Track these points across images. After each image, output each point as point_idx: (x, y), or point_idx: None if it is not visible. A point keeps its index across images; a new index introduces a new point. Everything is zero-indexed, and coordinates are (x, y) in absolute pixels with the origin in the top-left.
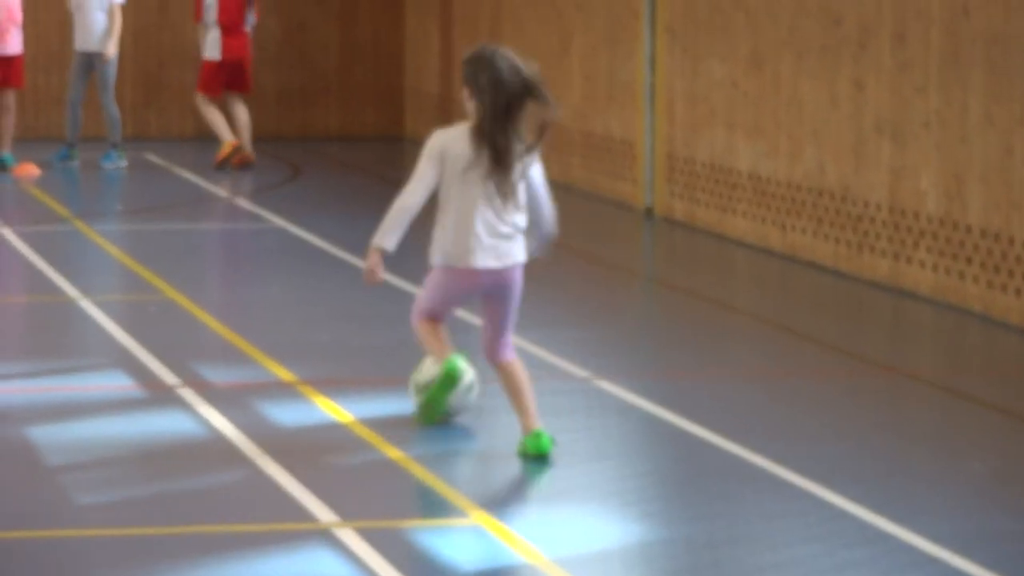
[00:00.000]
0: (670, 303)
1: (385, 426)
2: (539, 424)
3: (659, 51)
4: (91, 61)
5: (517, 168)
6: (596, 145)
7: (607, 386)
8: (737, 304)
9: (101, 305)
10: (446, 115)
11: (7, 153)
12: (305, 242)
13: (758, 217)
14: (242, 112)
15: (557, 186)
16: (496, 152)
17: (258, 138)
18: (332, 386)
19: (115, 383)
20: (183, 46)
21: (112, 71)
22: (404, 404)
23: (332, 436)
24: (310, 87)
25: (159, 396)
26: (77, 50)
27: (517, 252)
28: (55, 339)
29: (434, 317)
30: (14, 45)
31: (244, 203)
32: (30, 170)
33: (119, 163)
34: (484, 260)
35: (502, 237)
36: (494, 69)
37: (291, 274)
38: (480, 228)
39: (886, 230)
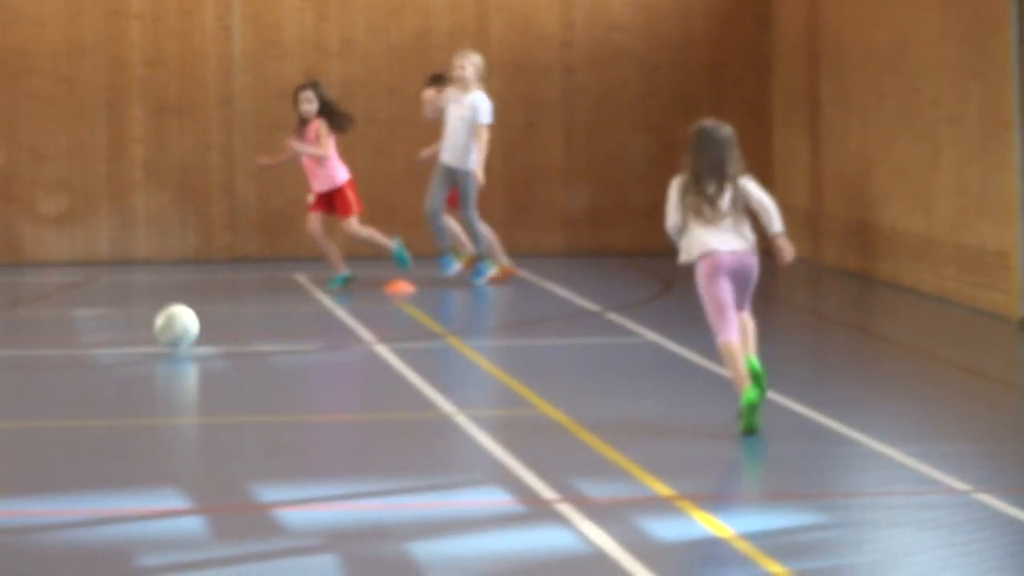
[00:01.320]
0: None
1: (766, 541)
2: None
3: None
4: (454, 175)
5: (724, 199)
6: (969, 257)
7: (987, 499)
8: None
9: (478, 420)
10: (815, 230)
11: (344, 273)
12: (678, 356)
13: None
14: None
15: (930, 298)
16: (703, 195)
17: (627, 253)
18: (710, 500)
19: (492, 499)
20: (551, 162)
21: (473, 187)
22: (783, 519)
23: (712, 551)
24: None
25: (537, 511)
26: (442, 163)
27: (742, 244)
28: (432, 455)
29: (726, 320)
30: (326, 180)
31: (616, 317)
32: (403, 287)
33: (489, 272)
34: (718, 246)
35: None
36: (699, 140)
37: (666, 388)
38: (707, 237)
39: None
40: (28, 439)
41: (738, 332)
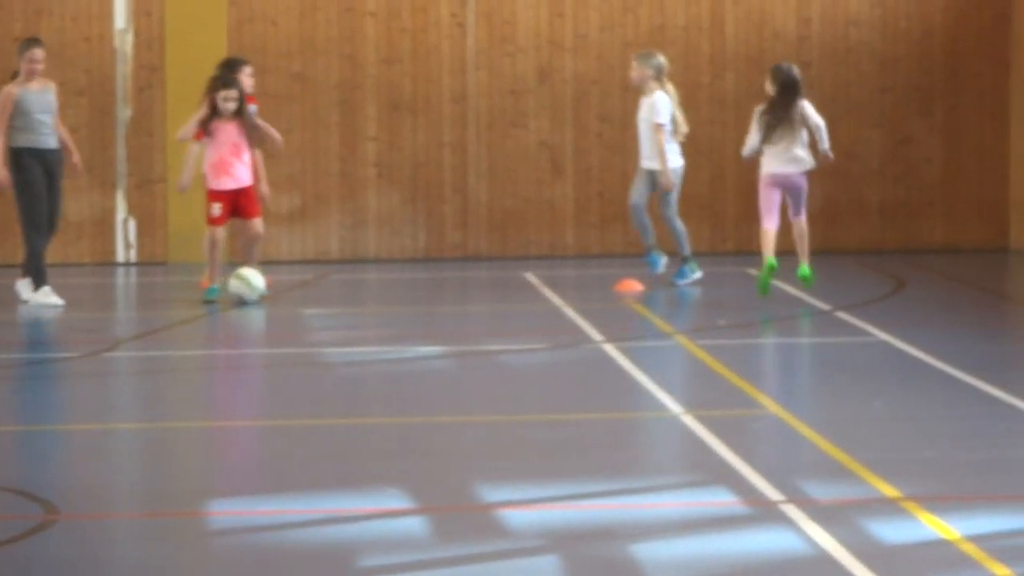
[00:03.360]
0: None
1: (993, 543)
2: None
3: None
4: (653, 178)
5: (794, 124)
6: None
7: None
8: None
9: (704, 420)
10: None
11: (216, 287)
12: (909, 356)
13: None
14: None
15: None
16: (777, 119)
17: (860, 251)
18: (937, 502)
19: (718, 499)
20: None
21: (672, 189)
22: (1011, 521)
23: (938, 554)
24: (914, 200)
25: (763, 513)
26: (640, 166)
27: (794, 167)
28: (658, 455)
29: (768, 216)
30: (240, 178)
31: (847, 316)
32: (632, 286)
33: (693, 276)
34: (776, 168)
35: (790, 160)
36: (775, 75)
37: (895, 388)
38: (769, 159)
39: None
40: (257, 438)
41: (775, 224)
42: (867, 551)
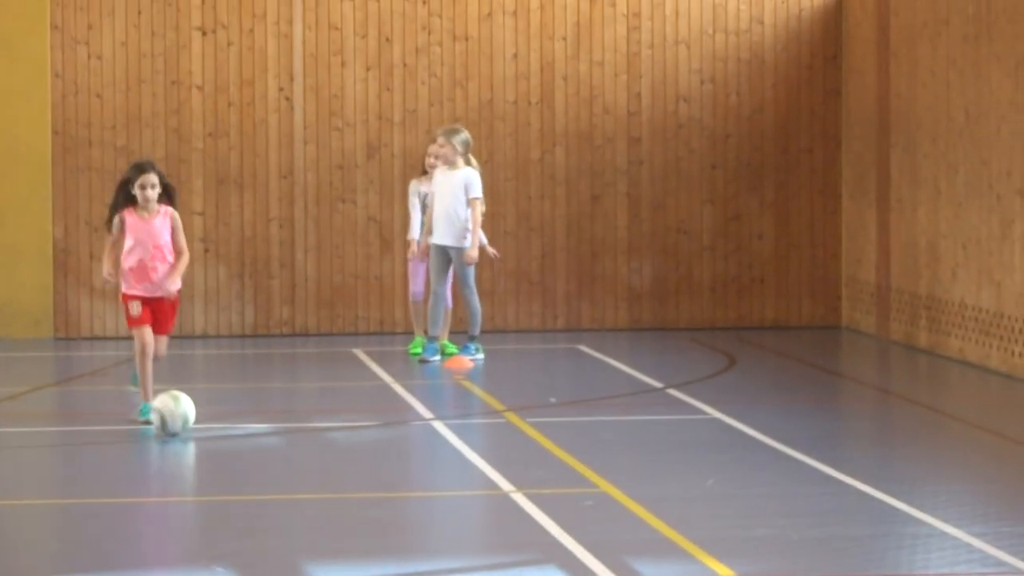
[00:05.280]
0: None
1: None
2: None
3: None
4: (446, 256)
5: None
6: None
7: None
8: None
9: (535, 499)
10: (883, 304)
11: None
12: (741, 433)
13: None
14: None
15: (999, 375)
16: None
17: (693, 328)
18: None
19: None
20: (615, 235)
21: (471, 266)
22: None
23: None
24: (745, 276)
25: None
26: (435, 245)
27: None
28: (490, 533)
29: None
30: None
31: (678, 394)
32: (462, 363)
33: (476, 356)
34: None
35: None
36: None
37: (727, 466)
38: None
39: None
40: (84, 516)
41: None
42: None
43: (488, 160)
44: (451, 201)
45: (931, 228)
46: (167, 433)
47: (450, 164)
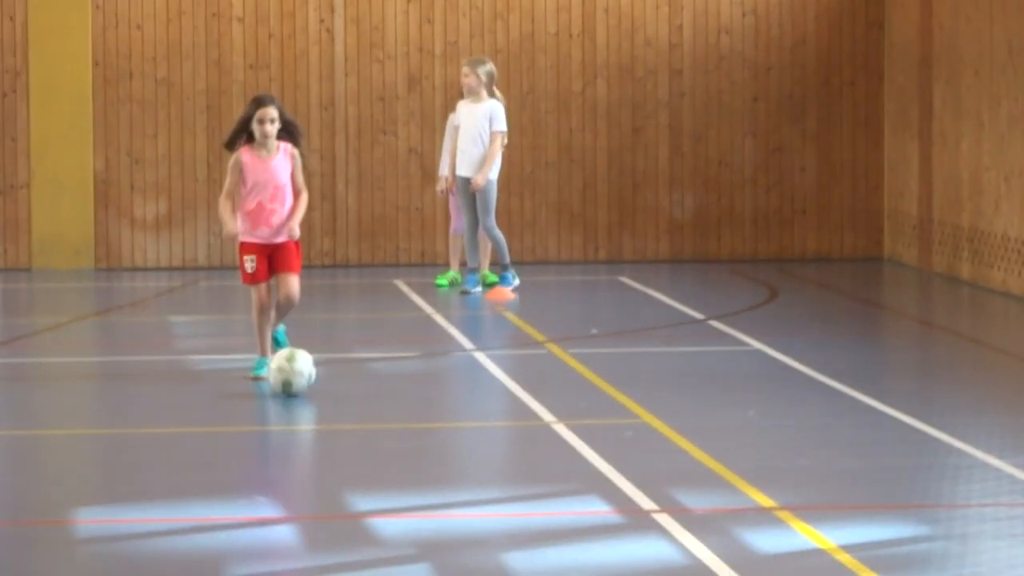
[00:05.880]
0: None
1: (867, 552)
2: None
3: None
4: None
5: None
6: None
7: None
8: None
9: (577, 429)
10: (926, 236)
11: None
12: (783, 365)
13: None
14: None
15: None
16: None
17: (735, 260)
18: (812, 512)
19: (592, 508)
20: (656, 167)
21: (493, 195)
22: (885, 530)
23: (813, 563)
24: (787, 209)
25: (636, 522)
26: (461, 177)
27: None
28: (531, 464)
29: None
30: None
31: (720, 325)
32: (504, 294)
33: (514, 283)
34: None
35: None
36: None
37: (769, 397)
38: None
39: None
40: (123, 446)
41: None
42: (741, 560)
43: (529, 92)
44: (475, 133)
45: (974, 161)
46: (288, 393)
47: (474, 95)
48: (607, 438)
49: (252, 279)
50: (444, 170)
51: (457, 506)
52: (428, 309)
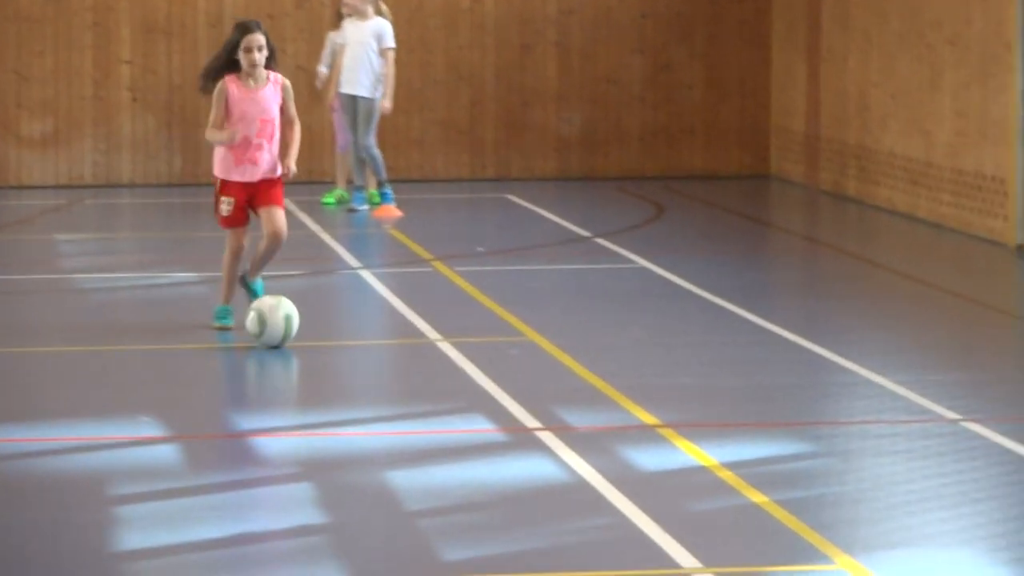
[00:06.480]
0: None
1: (749, 470)
2: None
3: None
4: (355, 104)
5: None
6: (967, 182)
7: (977, 428)
8: None
9: (462, 347)
10: (812, 153)
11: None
12: (669, 282)
13: None
14: None
15: (927, 224)
16: None
17: (622, 178)
18: (695, 429)
19: (476, 426)
20: (544, 85)
21: (375, 114)
22: (767, 448)
23: (695, 480)
24: (674, 126)
25: (520, 440)
26: (345, 95)
27: None
28: (416, 382)
29: None
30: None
31: (606, 243)
32: (391, 211)
33: (392, 200)
34: None
35: None
36: None
37: (654, 315)
38: None
39: None
40: (6, 364)
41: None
42: (624, 478)
43: (418, 9)
44: (362, 51)
45: (861, 78)
46: (263, 343)
47: (360, 14)
48: (492, 356)
49: (229, 223)
50: (320, 82)
51: (341, 424)
52: (315, 227)
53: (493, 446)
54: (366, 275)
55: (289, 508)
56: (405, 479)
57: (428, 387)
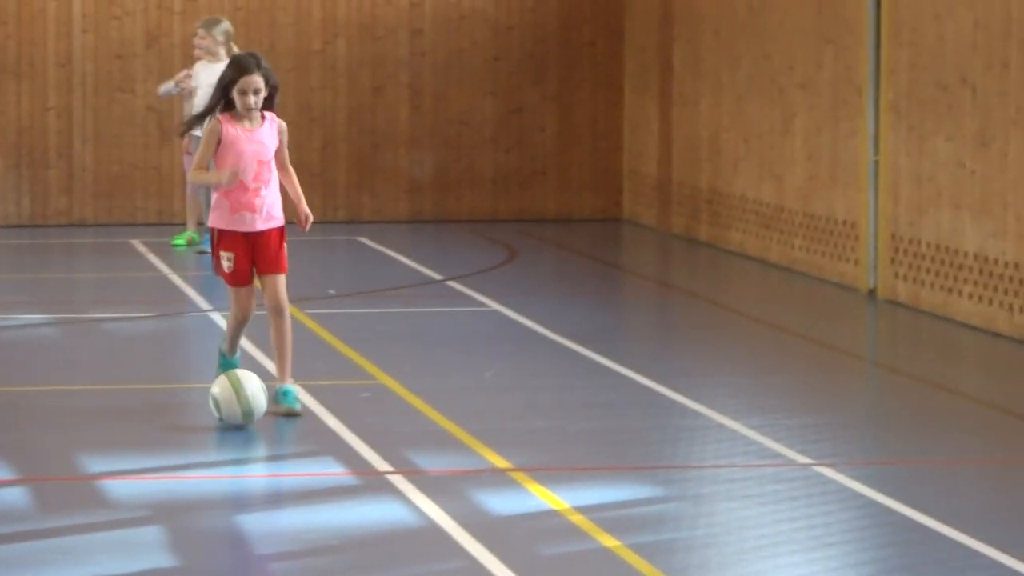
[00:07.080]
0: (894, 387)
1: (601, 514)
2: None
3: (883, 129)
4: None
5: None
6: (818, 226)
7: (829, 472)
8: (963, 389)
9: (313, 391)
10: (665, 197)
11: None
12: (521, 326)
13: (985, 299)
14: None
15: (779, 268)
16: None
17: (475, 220)
18: (546, 473)
19: (326, 470)
20: (396, 127)
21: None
22: (619, 492)
23: (547, 524)
24: (527, 169)
25: (371, 483)
26: (195, 136)
27: None
28: (266, 425)
29: None
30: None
31: (458, 286)
32: None
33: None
34: None
35: None
36: None
37: (506, 358)
38: None
39: None
40: None
41: None
42: (475, 522)
43: (270, 50)
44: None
45: (713, 122)
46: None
47: (212, 56)
48: (343, 399)
49: (235, 281)
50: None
51: (190, 468)
52: (165, 269)
53: (344, 490)
54: (216, 317)
55: (138, 551)
56: (255, 523)
57: (279, 430)
